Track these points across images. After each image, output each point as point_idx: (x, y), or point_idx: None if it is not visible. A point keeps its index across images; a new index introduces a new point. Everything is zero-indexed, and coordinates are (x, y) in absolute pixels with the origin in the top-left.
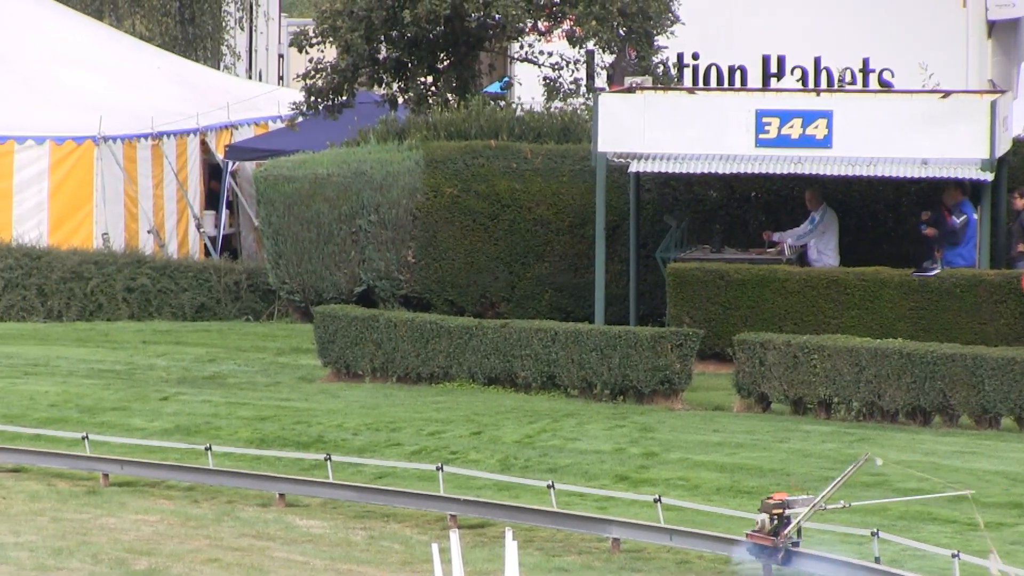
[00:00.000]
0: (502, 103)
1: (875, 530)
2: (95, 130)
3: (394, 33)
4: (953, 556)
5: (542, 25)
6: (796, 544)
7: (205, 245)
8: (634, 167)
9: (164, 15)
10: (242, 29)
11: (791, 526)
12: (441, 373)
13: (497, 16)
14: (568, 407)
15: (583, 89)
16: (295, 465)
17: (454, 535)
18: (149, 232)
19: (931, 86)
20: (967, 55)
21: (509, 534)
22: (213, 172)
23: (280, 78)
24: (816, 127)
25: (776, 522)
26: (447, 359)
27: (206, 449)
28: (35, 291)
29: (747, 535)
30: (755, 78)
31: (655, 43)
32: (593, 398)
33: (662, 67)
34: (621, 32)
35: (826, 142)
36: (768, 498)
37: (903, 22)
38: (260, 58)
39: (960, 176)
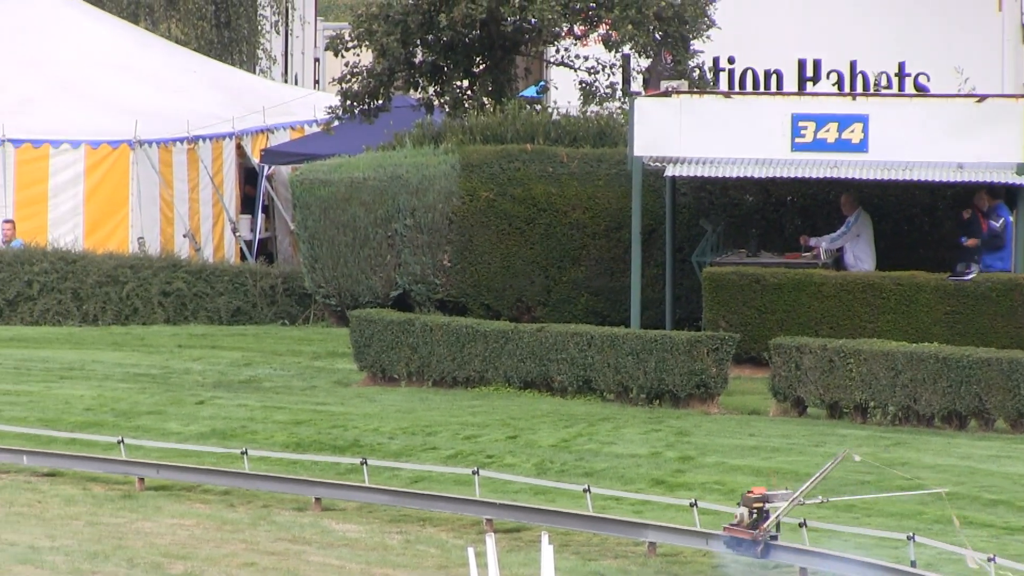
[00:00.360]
0: (538, 107)
1: (911, 534)
2: (131, 134)
3: (430, 37)
4: (989, 560)
5: (578, 29)
6: (775, 538)
7: (241, 249)
8: (670, 171)
9: (200, 19)
10: (278, 33)
11: (771, 520)
12: (477, 377)
13: (533, 20)
14: (604, 411)
15: (619, 93)
16: (331, 469)
17: (490, 539)
18: (185, 236)
19: (966, 90)
20: (1002, 59)
21: (545, 538)
22: (249, 176)
23: (316, 82)
24: (852, 131)
25: (755, 516)
26: (483, 363)
27: (242, 453)
28: (70, 295)
29: (725, 528)
30: (791, 82)
31: (691, 47)
32: (629, 402)
33: (698, 71)
34: (657, 36)
35: (862, 146)
36: (749, 492)
37: (938, 26)
38: (296, 62)
39: (995, 180)
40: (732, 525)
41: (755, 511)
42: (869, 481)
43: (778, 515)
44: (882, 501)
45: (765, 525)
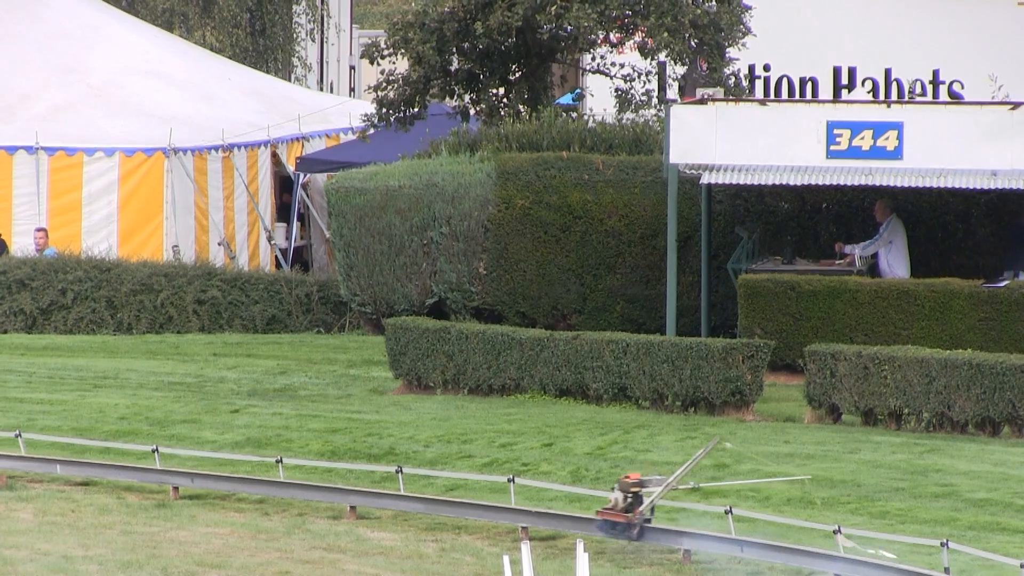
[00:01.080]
0: (574, 115)
1: (944, 540)
2: (165, 142)
3: (466, 45)
4: (1021, 566)
5: (614, 37)
6: (648, 521)
7: (276, 257)
8: (706, 178)
9: (235, 26)
10: (313, 40)
11: (645, 504)
12: (512, 385)
13: (569, 28)
14: (639, 419)
15: (655, 101)
16: (366, 477)
17: (525, 547)
18: (219, 244)
19: (1001, 97)
20: None
21: (580, 546)
22: (284, 184)
23: (351, 90)
24: (887, 138)
25: (630, 500)
26: (518, 371)
27: (277, 462)
28: (105, 303)
29: (599, 512)
30: (826, 89)
31: (726, 55)
32: (664, 409)
33: (733, 79)
34: (693, 44)
35: (896, 153)
36: (625, 477)
37: (973, 34)
38: (331, 70)
39: None
40: (606, 509)
41: (630, 496)
42: (903, 488)
43: (652, 500)
44: (916, 508)
45: (640, 509)
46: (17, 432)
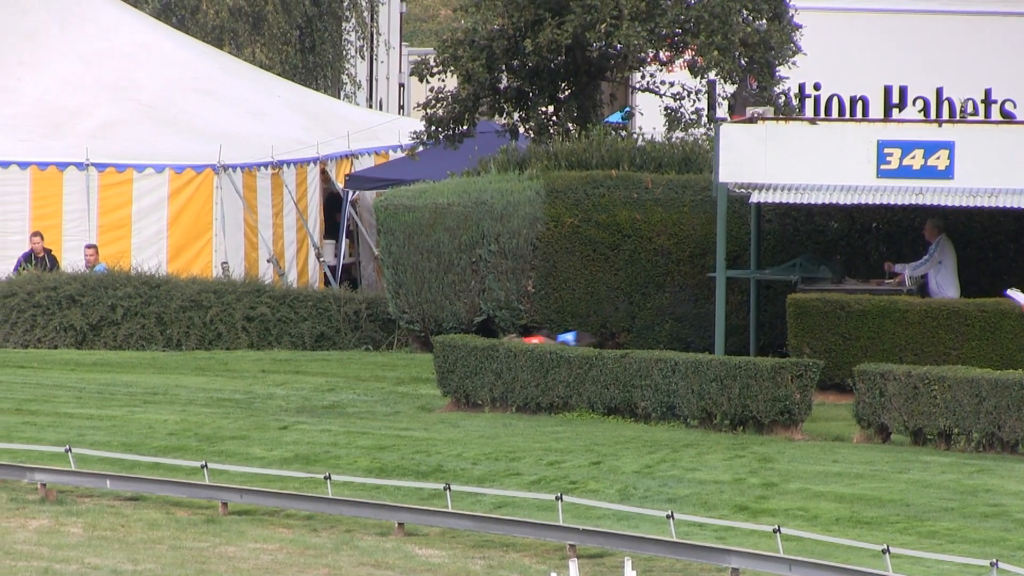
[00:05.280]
0: (623, 133)
1: (994, 560)
2: (215, 158)
3: (515, 62)
4: None
5: (664, 55)
6: None
7: (324, 274)
8: (755, 197)
9: (284, 43)
10: (362, 58)
11: None
12: (560, 403)
13: (619, 46)
14: (687, 437)
15: (704, 119)
16: (414, 495)
17: (573, 565)
18: (268, 261)
19: None
20: None
21: (628, 564)
22: (333, 201)
23: (401, 107)
24: (938, 158)
25: None
26: (567, 389)
27: (325, 478)
28: (154, 320)
29: None
30: (876, 109)
31: (776, 73)
32: (712, 428)
33: (783, 97)
34: (743, 62)
35: (948, 173)
36: None
37: None
38: (381, 87)
39: None
40: None
41: None
42: (952, 508)
43: None
44: (965, 528)
45: None
46: (67, 447)
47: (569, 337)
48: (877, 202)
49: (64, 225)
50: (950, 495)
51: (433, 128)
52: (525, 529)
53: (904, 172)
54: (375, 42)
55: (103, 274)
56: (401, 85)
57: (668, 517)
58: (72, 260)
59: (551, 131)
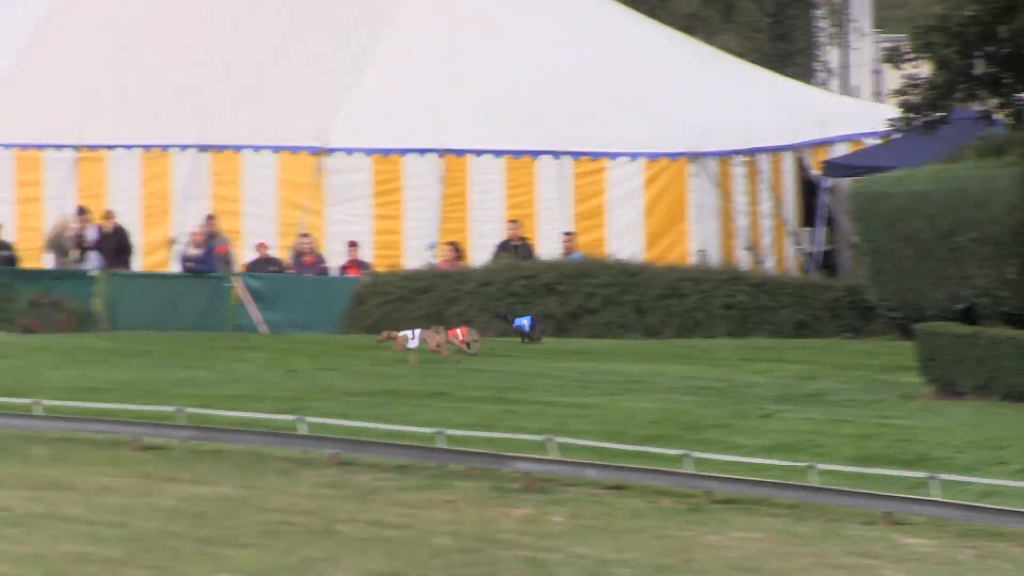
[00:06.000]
0: None
1: None
2: (688, 146)
3: (989, 48)
4: None
5: None
6: None
7: (800, 262)
8: None
9: (756, 31)
10: (835, 45)
11: None
12: None
13: None
14: None
15: None
16: (898, 483)
17: None
18: (745, 249)
19: None
20: None
21: None
22: (808, 189)
23: (876, 94)
24: None
25: None
26: None
27: (808, 467)
28: (632, 308)
29: None
30: None
31: None
32: None
33: None
34: None
35: None
36: None
37: None
38: (854, 74)
39: None
40: None
41: None
42: None
43: None
44: None
45: None
46: (548, 436)
47: (525, 322)
48: None
49: (538, 214)
50: None
51: (908, 115)
52: (1014, 518)
53: None
54: (847, 29)
55: (580, 262)
56: (876, 72)
57: None
58: (547, 248)
59: None
